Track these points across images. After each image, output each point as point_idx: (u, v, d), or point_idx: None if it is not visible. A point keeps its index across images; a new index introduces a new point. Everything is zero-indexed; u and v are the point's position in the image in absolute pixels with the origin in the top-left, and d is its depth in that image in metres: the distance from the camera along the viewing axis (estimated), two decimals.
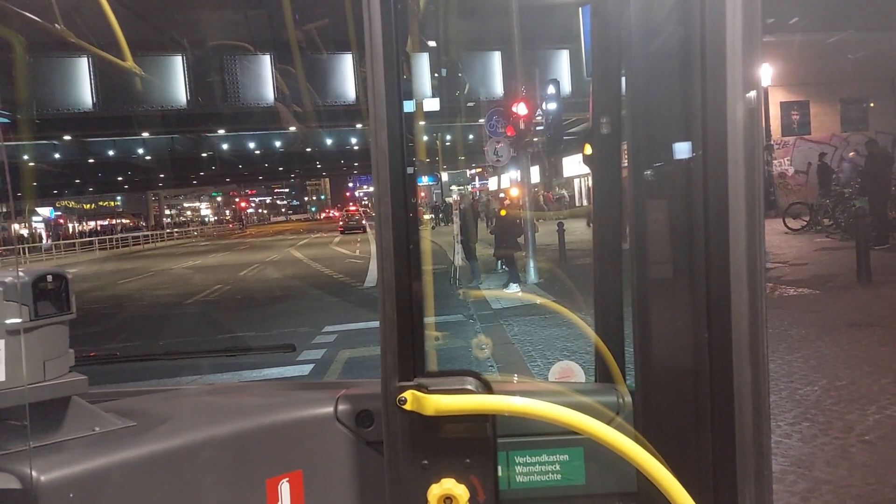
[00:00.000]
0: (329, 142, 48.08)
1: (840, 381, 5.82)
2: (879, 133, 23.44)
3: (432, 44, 15.10)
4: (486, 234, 15.49)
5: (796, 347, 6.99)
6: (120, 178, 60.80)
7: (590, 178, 1.84)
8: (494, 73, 24.00)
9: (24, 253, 36.56)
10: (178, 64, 22.03)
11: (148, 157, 46.43)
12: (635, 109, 1.41)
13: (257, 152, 50.76)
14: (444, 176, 53.28)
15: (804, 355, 6.68)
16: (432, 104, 19.83)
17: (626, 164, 1.53)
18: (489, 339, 8.66)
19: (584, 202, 41.72)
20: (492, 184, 46.51)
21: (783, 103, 24.94)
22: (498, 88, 23.62)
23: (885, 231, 14.19)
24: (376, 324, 1.27)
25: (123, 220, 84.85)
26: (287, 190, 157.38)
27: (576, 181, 45.93)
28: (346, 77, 23.05)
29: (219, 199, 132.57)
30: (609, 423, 1.21)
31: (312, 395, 1.57)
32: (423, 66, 17.56)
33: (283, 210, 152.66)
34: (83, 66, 21.12)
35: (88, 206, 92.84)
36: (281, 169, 71.77)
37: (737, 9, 1.13)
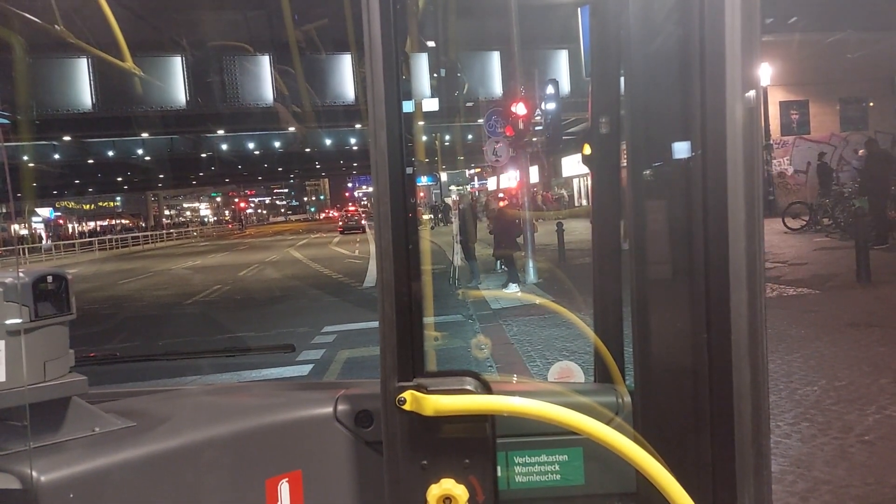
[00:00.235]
0: (328, 142, 48.09)
1: (839, 382, 5.82)
2: (879, 133, 23.44)
3: (431, 44, 15.10)
4: (486, 234, 15.48)
5: (796, 347, 6.99)
6: (119, 179, 60.80)
7: (589, 178, 1.85)
8: (493, 73, 24.03)
9: (24, 253, 36.55)
10: (177, 64, 22.05)
11: (147, 158, 46.43)
12: (634, 109, 1.41)
13: (256, 153, 50.77)
14: (444, 176, 53.31)
15: (803, 355, 6.68)
16: (431, 104, 19.82)
17: (625, 164, 1.53)
18: (488, 340, 8.66)
19: (584, 202, 41.75)
20: (491, 184, 46.52)
21: (782, 103, 24.96)
22: (497, 88, 23.65)
23: (885, 231, 14.19)
24: (375, 324, 1.27)
25: (123, 221, 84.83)
26: (286, 190, 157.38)
27: (575, 181, 45.95)
28: (345, 77, 23.07)
29: (218, 199, 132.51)
30: (608, 423, 1.21)
31: (312, 396, 1.57)
32: (422, 66, 17.58)
33: (283, 210, 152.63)
34: (83, 67, 21.14)
35: (88, 206, 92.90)
36: (280, 169, 71.75)
37: (736, 9, 1.13)
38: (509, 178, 24.83)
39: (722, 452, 1.18)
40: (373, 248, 22.64)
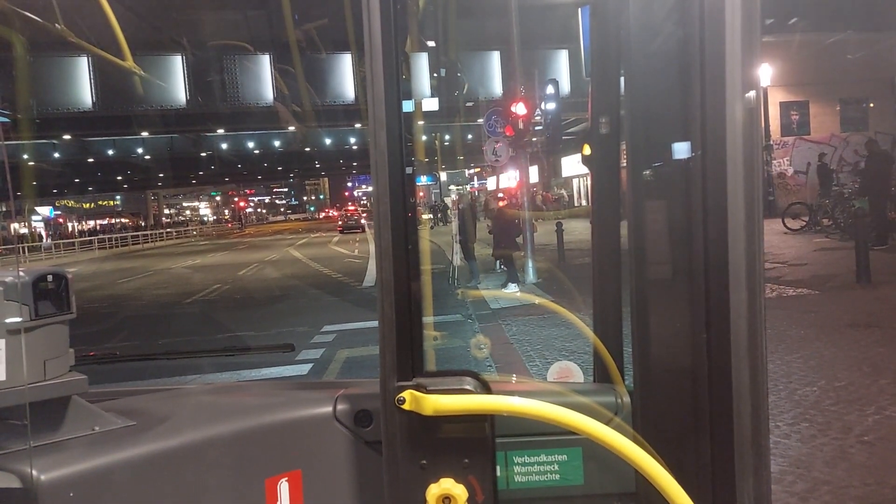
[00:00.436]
0: (328, 141, 48.12)
1: (839, 382, 5.82)
2: (879, 133, 23.46)
3: (431, 44, 15.11)
4: (485, 234, 15.48)
5: (795, 348, 6.99)
6: (119, 178, 60.77)
7: (589, 179, 1.85)
8: (493, 72, 24.03)
9: (24, 252, 36.53)
10: (177, 64, 22.07)
11: (147, 157, 46.47)
12: (634, 109, 1.41)
13: (256, 152, 50.79)
14: (443, 176, 53.30)
15: (803, 356, 6.68)
16: (431, 104, 19.82)
17: (625, 165, 1.53)
18: (488, 339, 8.66)
19: (583, 202, 41.73)
20: (490, 184, 46.51)
21: (782, 103, 24.96)
22: (497, 88, 23.65)
23: (885, 231, 14.20)
24: (375, 323, 1.27)
25: (123, 220, 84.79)
26: (286, 189, 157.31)
27: (574, 181, 45.93)
28: (345, 77, 23.09)
29: (218, 198, 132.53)
30: (607, 423, 1.21)
31: (311, 395, 1.57)
32: (422, 65, 17.56)
33: (282, 210, 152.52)
34: (83, 66, 21.16)
35: (88, 205, 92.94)
36: (280, 168, 71.70)
37: (736, 9, 1.13)
38: (509, 178, 24.83)
39: (721, 453, 1.18)
40: (372, 247, 22.65)
